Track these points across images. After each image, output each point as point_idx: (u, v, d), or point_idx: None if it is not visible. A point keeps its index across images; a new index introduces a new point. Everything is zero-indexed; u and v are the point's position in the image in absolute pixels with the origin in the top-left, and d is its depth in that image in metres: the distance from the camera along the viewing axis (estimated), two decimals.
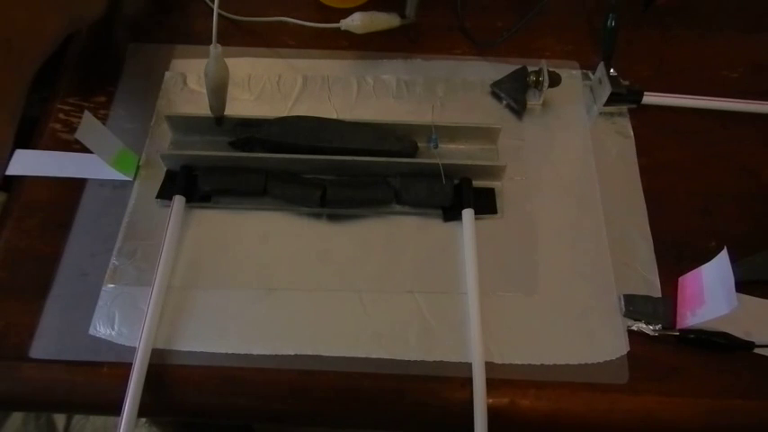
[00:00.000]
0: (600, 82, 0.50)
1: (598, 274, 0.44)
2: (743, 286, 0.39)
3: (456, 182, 0.46)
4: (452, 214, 0.45)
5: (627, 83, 0.50)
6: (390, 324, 0.41)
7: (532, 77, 0.50)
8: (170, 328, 0.41)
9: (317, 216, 0.46)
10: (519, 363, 0.41)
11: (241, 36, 0.55)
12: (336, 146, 0.46)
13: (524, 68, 0.51)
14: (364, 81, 0.52)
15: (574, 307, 0.43)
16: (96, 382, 0.40)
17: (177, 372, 0.40)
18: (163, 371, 0.40)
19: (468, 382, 0.39)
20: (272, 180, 0.45)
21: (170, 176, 0.46)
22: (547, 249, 0.45)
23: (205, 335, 0.41)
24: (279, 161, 0.45)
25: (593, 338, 0.41)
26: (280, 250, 0.44)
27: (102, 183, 0.47)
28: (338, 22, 0.53)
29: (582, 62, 0.54)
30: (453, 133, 0.48)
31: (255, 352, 0.40)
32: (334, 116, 0.49)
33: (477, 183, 0.46)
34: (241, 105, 0.50)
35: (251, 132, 0.46)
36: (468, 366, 0.40)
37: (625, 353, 0.41)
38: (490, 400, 0.39)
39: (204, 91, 0.44)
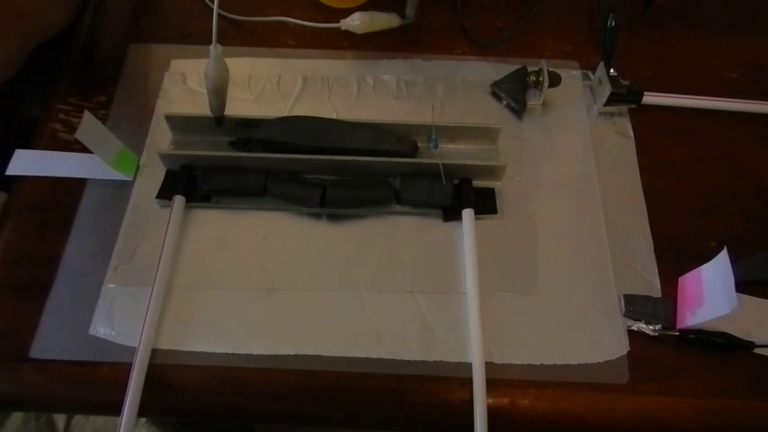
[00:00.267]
0: (600, 82, 0.50)
1: (598, 274, 0.44)
2: (743, 286, 0.39)
3: (456, 182, 0.46)
4: (452, 214, 0.45)
5: (627, 83, 0.50)
6: (390, 324, 0.41)
7: (532, 77, 0.50)
8: (170, 328, 0.41)
9: (317, 216, 0.46)
10: (519, 363, 0.41)
11: (241, 36, 0.55)
12: (336, 146, 0.46)
13: (524, 68, 0.51)
14: (364, 81, 0.52)
15: (574, 307, 0.43)
16: (96, 382, 0.40)
17: (177, 372, 0.40)
18: (163, 371, 0.40)
19: (467, 382, 0.39)
20: (272, 180, 0.45)
21: (170, 176, 0.46)
22: (547, 249, 0.45)
23: (205, 335, 0.41)
24: (279, 161, 0.45)
25: (594, 338, 0.41)
26: (280, 250, 0.44)
27: (102, 183, 0.47)
28: (338, 22, 0.53)
29: (582, 62, 0.54)
30: (453, 133, 0.48)
31: (255, 352, 0.40)
32: (335, 116, 0.49)
33: (477, 183, 0.46)
34: (241, 105, 0.50)
35: (251, 132, 0.46)
36: (468, 366, 0.40)
37: (625, 353, 0.41)
38: (490, 400, 0.39)
39: (204, 91, 0.44)
